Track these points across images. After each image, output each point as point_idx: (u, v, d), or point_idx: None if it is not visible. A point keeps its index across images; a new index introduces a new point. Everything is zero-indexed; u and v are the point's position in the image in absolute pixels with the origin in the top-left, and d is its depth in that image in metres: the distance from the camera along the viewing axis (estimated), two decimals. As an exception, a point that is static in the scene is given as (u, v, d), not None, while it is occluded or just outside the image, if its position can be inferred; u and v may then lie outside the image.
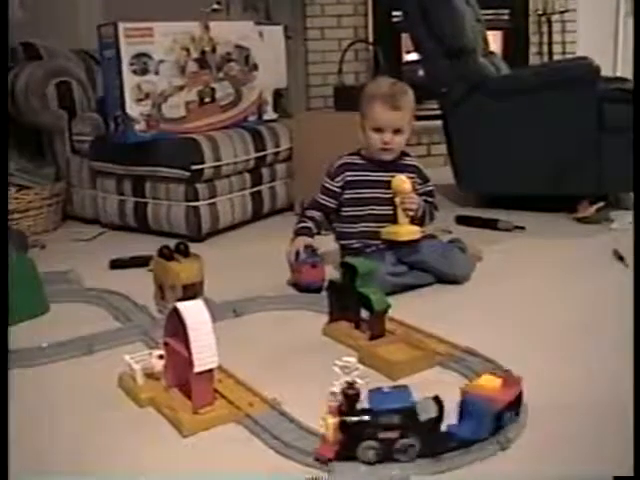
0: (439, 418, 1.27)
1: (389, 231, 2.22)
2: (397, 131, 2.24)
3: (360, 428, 1.23)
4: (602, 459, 1.26)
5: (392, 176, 2.22)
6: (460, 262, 2.28)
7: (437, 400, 1.29)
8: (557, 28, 4.69)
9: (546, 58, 4.65)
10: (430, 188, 2.37)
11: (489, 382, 1.35)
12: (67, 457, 1.34)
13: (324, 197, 2.35)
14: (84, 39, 3.66)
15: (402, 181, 2.18)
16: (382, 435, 1.23)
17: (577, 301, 2.06)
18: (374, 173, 2.30)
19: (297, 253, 2.25)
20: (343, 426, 1.24)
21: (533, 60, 4.65)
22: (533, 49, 4.68)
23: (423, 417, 1.25)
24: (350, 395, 1.24)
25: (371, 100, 2.25)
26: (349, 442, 1.23)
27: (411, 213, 2.20)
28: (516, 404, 1.35)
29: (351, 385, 1.25)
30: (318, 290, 2.18)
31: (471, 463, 1.25)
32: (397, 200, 2.19)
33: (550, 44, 4.66)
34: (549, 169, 3.02)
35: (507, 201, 3.19)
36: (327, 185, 2.35)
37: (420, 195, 2.27)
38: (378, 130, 2.24)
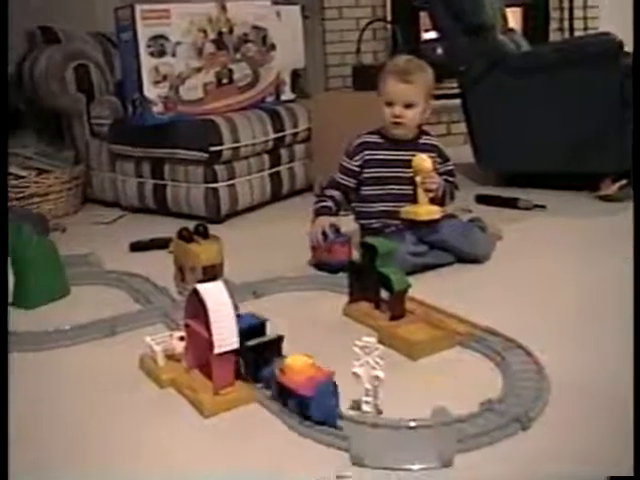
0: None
1: (408, 211, 2.20)
2: (409, 106, 2.22)
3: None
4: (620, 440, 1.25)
5: (412, 155, 2.20)
6: (480, 241, 2.26)
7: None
8: (578, 3, 4.63)
9: (567, 34, 4.60)
10: (450, 167, 2.35)
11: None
12: (90, 437, 1.35)
13: (343, 176, 2.34)
14: (101, 22, 3.66)
15: (423, 160, 2.16)
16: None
17: (598, 281, 2.03)
18: (393, 152, 2.28)
19: (324, 233, 2.24)
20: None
21: (554, 36, 4.59)
22: (554, 25, 4.63)
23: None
24: None
25: (385, 75, 2.25)
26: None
27: (431, 194, 2.19)
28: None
29: None
30: (343, 269, 2.16)
31: (492, 443, 1.24)
32: (417, 179, 2.17)
33: (571, 20, 4.61)
34: (571, 146, 2.98)
35: (527, 179, 3.16)
36: (346, 164, 2.34)
37: (440, 174, 2.25)
38: (390, 104, 2.23)
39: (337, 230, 2.26)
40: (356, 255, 2.09)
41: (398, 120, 2.24)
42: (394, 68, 2.25)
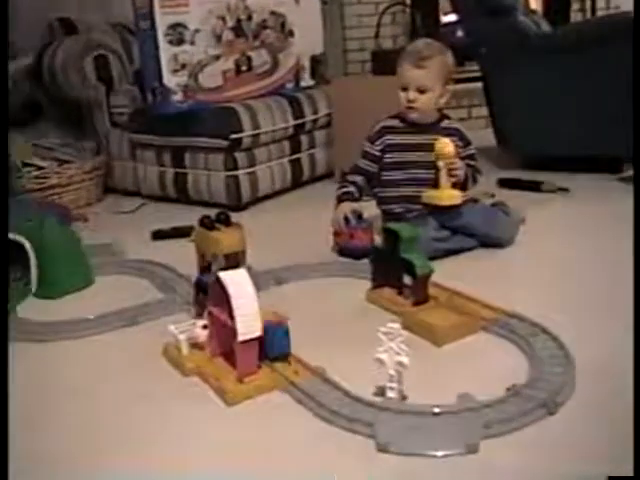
0: None
1: (430, 195, 2.19)
2: (422, 91, 2.21)
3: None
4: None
5: (432, 139, 2.18)
6: (504, 225, 2.24)
7: None
8: (600, -17, 4.58)
9: (589, 14, 4.54)
10: (472, 151, 2.32)
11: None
12: (113, 426, 1.36)
13: (365, 161, 2.34)
14: (119, 11, 3.66)
15: (446, 144, 2.14)
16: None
17: (623, 264, 2.01)
18: (414, 136, 2.27)
19: (346, 218, 2.24)
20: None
21: (575, 17, 4.54)
22: (575, 5, 4.57)
23: None
24: None
25: (401, 59, 2.25)
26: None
27: (454, 179, 2.17)
28: None
29: None
30: (366, 255, 2.16)
31: (519, 429, 1.23)
32: (440, 164, 2.15)
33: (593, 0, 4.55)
34: (594, 128, 2.95)
35: (550, 162, 3.13)
36: (367, 149, 2.33)
37: (462, 159, 2.23)
38: (405, 88, 2.23)
39: (359, 216, 2.26)
40: (378, 241, 2.08)
41: (412, 105, 2.23)
42: (409, 52, 2.24)
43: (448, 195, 2.16)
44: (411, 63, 2.20)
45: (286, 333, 1.51)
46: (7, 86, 2.38)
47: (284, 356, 1.49)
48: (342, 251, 2.25)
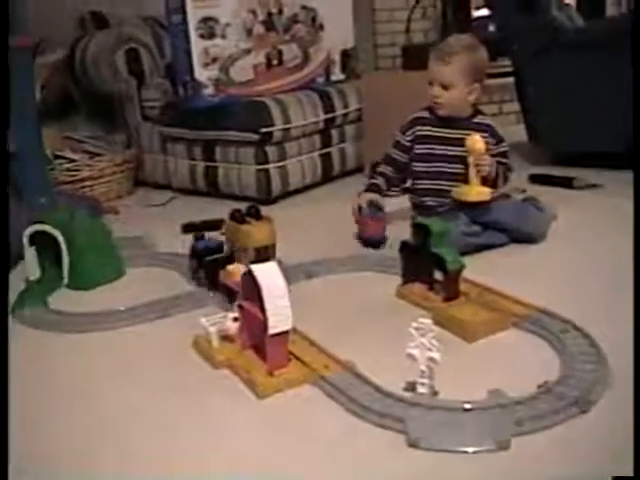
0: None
1: (458, 191, 2.18)
2: (446, 87, 2.20)
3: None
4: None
5: (463, 133, 2.17)
6: (537, 220, 2.23)
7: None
8: (636, -24, 4.51)
9: (624, 9, 4.48)
10: (504, 149, 2.29)
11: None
12: (143, 418, 1.36)
13: (395, 151, 2.35)
14: (151, 5, 3.67)
15: (476, 141, 2.12)
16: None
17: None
18: (444, 129, 2.26)
19: (360, 208, 2.28)
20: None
21: (610, 11, 4.48)
22: (610, -1, 4.51)
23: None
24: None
25: (431, 53, 2.25)
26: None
27: (483, 173, 2.16)
28: None
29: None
30: (378, 244, 2.24)
31: (551, 427, 1.22)
32: (470, 160, 2.14)
33: (629, -7, 4.49)
34: (627, 124, 2.91)
35: (582, 158, 3.09)
36: (398, 139, 2.34)
37: (493, 156, 2.21)
38: (430, 83, 2.23)
39: (379, 207, 2.29)
40: (408, 235, 2.06)
41: (436, 100, 2.23)
42: (438, 47, 2.24)
43: (476, 191, 2.15)
44: (437, 58, 2.20)
45: None
46: (8, 84, 2.40)
47: None
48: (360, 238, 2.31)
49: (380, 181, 2.35)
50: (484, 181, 2.17)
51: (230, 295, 1.79)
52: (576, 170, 2.97)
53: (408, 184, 2.41)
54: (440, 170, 2.25)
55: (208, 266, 1.97)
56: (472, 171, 2.15)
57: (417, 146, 2.30)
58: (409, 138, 2.32)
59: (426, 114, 2.30)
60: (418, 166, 2.31)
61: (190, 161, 3.16)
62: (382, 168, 2.38)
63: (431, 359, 1.30)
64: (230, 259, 1.95)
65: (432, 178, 2.27)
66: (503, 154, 2.29)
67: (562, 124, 3.11)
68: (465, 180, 2.17)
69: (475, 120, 2.26)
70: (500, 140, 2.29)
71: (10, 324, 1.84)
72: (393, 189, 2.48)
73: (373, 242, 2.25)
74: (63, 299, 2.03)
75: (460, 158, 2.17)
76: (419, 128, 2.30)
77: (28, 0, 2.51)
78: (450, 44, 2.22)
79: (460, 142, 2.16)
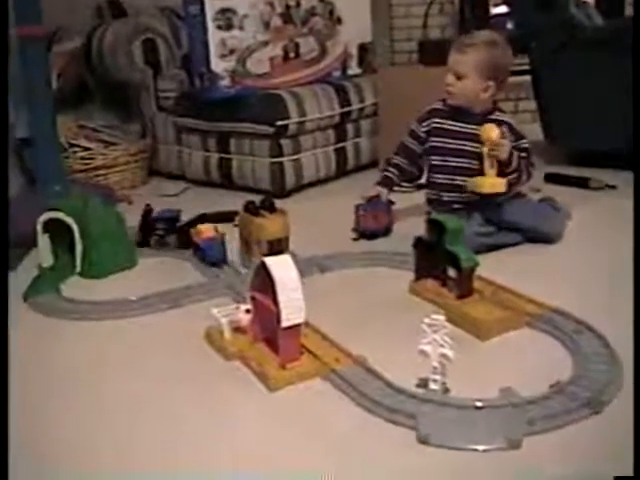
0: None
1: (473, 181, 2.14)
2: (459, 77, 2.18)
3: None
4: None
5: (479, 129, 2.17)
6: (553, 219, 2.22)
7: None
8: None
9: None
10: (525, 145, 2.24)
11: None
12: (154, 408, 1.37)
13: (409, 139, 2.35)
14: (169, -5, 3.68)
15: (490, 129, 2.08)
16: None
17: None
18: (461, 123, 2.24)
19: (368, 199, 2.31)
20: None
21: (629, 10, 4.44)
22: (629, -2, 4.47)
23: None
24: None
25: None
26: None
27: (500, 157, 2.10)
28: None
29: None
30: (374, 236, 2.30)
31: (562, 427, 1.21)
32: (484, 150, 2.11)
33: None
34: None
35: (598, 158, 3.08)
36: (413, 127, 2.34)
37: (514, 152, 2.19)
38: (448, 71, 2.22)
39: (389, 201, 2.33)
40: (421, 231, 2.06)
41: (448, 89, 2.22)
42: (461, 38, 2.25)
43: (490, 183, 2.11)
44: (456, 47, 2.20)
45: (221, 244, 2.11)
46: (7, 82, 2.41)
47: (220, 264, 2.09)
48: None
49: (393, 173, 2.36)
50: (501, 171, 2.13)
51: (197, 250, 2.16)
52: (592, 170, 2.95)
53: (423, 179, 2.39)
54: (455, 165, 2.23)
55: (181, 230, 2.29)
56: (487, 162, 2.11)
57: (432, 138, 2.29)
58: (425, 129, 2.31)
59: (444, 106, 2.29)
60: (434, 159, 2.30)
61: (204, 152, 3.16)
62: (396, 159, 2.37)
63: (444, 356, 1.29)
64: (193, 223, 2.29)
65: (447, 173, 2.25)
66: (524, 150, 2.23)
67: (579, 123, 3.09)
68: (480, 173, 2.15)
69: (492, 116, 2.24)
70: (520, 137, 2.24)
71: (22, 311, 1.85)
72: (406, 184, 2.47)
73: (363, 234, 2.30)
74: (75, 287, 2.03)
75: (476, 154, 2.15)
76: (436, 120, 2.29)
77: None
78: (472, 36, 2.21)
79: (476, 137, 2.14)
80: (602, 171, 2.94)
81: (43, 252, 2.12)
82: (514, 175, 2.17)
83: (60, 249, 2.14)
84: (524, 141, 2.25)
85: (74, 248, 2.10)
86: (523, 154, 2.21)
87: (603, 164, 3.03)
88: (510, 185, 2.16)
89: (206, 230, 2.13)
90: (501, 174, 2.14)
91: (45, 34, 2.60)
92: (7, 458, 1.09)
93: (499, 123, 2.19)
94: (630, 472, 1.07)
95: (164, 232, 2.31)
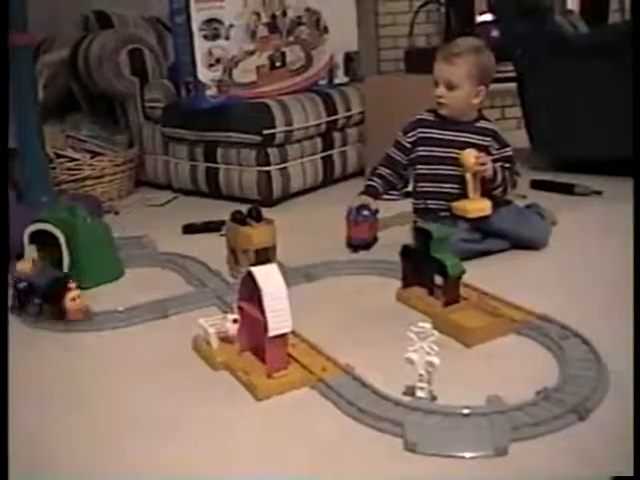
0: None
1: (458, 207, 2.16)
2: (451, 87, 2.19)
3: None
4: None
5: (468, 137, 2.19)
6: (539, 226, 2.23)
7: None
8: (639, -18, 4.50)
9: (627, 15, 4.47)
10: (508, 154, 2.26)
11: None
12: (141, 418, 1.36)
13: (394, 150, 2.35)
14: (155, 6, 3.68)
15: (468, 156, 2.10)
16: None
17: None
18: (446, 132, 2.25)
19: (349, 210, 2.28)
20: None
21: (613, 18, 4.47)
22: (613, 5, 4.50)
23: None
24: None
25: (437, 54, 2.24)
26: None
27: (484, 174, 2.12)
28: None
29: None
30: (358, 248, 2.27)
31: (549, 433, 1.22)
32: (467, 176, 2.13)
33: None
34: (629, 131, 2.91)
35: (584, 165, 3.09)
36: (399, 139, 2.34)
37: (496, 161, 2.20)
38: (436, 83, 2.22)
39: (370, 211, 2.29)
40: (408, 239, 2.06)
41: (440, 100, 2.22)
42: (445, 47, 2.24)
43: (475, 208, 2.13)
44: (444, 58, 2.19)
45: None
46: (7, 85, 2.41)
47: None
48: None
49: (377, 183, 2.35)
50: (485, 189, 2.15)
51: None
52: (577, 177, 2.97)
53: (410, 188, 2.40)
54: (443, 173, 2.24)
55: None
56: (470, 186, 2.13)
57: (419, 148, 2.30)
58: (410, 139, 2.31)
59: (429, 116, 2.30)
60: (420, 168, 2.30)
61: (191, 162, 3.16)
62: (380, 170, 2.37)
63: (430, 363, 1.30)
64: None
65: (434, 181, 2.26)
66: (507, 159, 2.26)
67: (564, 130, 3.11)
68: (464, 189, 2.16)
69: (478, 124, 2.25)
70: (504, 145, 2.26)
71: (10, 322, 1.84)
72: (391, 192, 2.47)
73: (354, 245, 2.27)
74: (63, 298, 2.03)
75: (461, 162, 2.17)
76: (421, 130, 2.30)
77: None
78: (458, 45, 2.21)
79: (462, 145, 2.16)
80: (587, 177, 2.96)
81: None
82: (499, 189, 2.19)
83: (47, 260, 2.13)
84: (508, 149, 2.26)
85: (61, 259, 2.10)
86: (507, 164, 2.23)
87: (588, 170, 3.05)
88: (494, 197, 2.18)
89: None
90: (487, 191, 2.15)
91: (32, 43, 2.60)
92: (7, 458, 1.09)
93: (485, 130, 2.21)
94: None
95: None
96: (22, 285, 1.89)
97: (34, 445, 1.28)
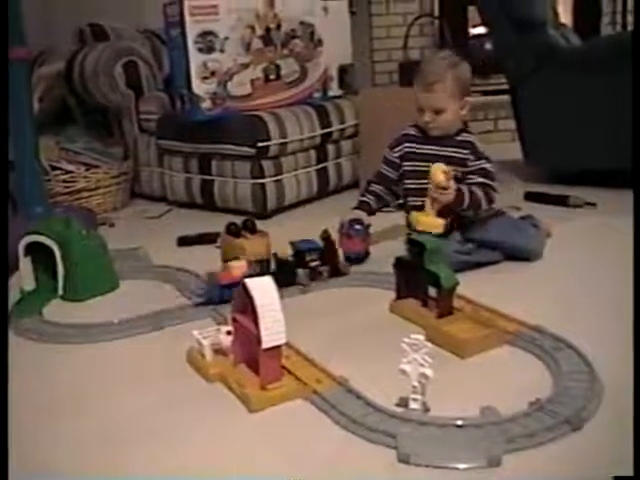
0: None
1: (412, 217, 2.15)
2: (438, 111, 2.20)
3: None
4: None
5: (448, 151, 2.20)
6: (533, 237, 2.23)
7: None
8: (632, -4, 4.54)
9: (619, 28, 4.51)
10: (484, 165, 2.21)
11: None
12: (135, 431, 1.36)
13: (384, 167, 2.37)
14: (150, 19, 3.70)
15: (437, 171, 2.08)
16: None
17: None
18: (429, 146, 2.26)
19: (342, 224, 2.28)
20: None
21: (605, 31, 4.50)
22: (605, 19, 4.54)
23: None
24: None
25: (414, 79, 2.24)
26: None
27: (437, 206, 2.11)
28: None
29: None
30: (352, 261, 2.24)
31: (542, 444, 1.22)
32: (430, 189, 2.10)
33: (624, 13, 4.51)
34: (622, 143, 2.92)
35: (577, 177, 3.11)
36: (387, 155, 2.36)
37: (471, 172, 2.19)
38: (421, 110, 2.22)
39: (363, 225, 2.28)
40: (402, 252, 2.07)
41: (430, 126, 2.23)
42: (419, 75, 2.22)
43: (426, 222, 2.09)
44: (422, 89, 2.19)
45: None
46: (7, 88, 2.42)
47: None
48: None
49: (370, 199, 2.36)
50: (450, 211, 2.13)
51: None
52: (571, 188, 2.98)
53: (402, 201, 2.41)
54: (426, 186, 2.24)
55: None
56: (429, 200, 2.12)
57: (405, 163, 2.31)
58: (397, 154, 2.33)
59: (413, 131, 2.31)
60: (408, 183, 2.31)
61: (186, 174, 3.17)
62: (373, 186, 2.38)
63: (423, 375, 1.30)
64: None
65: (422, 195, 2.25)
66: (482, 171, 2.21)
67: (557, 142, 3.13)
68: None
69: (458, 138, 2.25)
70: (480, 157, 2.22)
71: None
72: (385, 208, 2.47)
73: (346, 258, 2.25)
74: (57, 310, 2.03)
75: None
76: (407, 145, 2.31)
77: (24, 12, 2.51)
78: (432, 71, 2.19)
79: (444, 159, 2.16)
80: (581, 189, 2.97)
81: (25, 275, 2.12)
82: (470, 209, 2.18)
83: (42, 272, 2.13)
84: (483, 162, 2.22)
85: (56, 271, 2.10)
86: (480, 178, 2.20)
87: (582, 182, 3.06)
88: (461, 214, 2.18)
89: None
90: (449, 213, 2.14)
91: (28, 56, 2.61)
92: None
93: (463, 143, 2.22)
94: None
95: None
96: None
97: (31, 453, 1.28)
